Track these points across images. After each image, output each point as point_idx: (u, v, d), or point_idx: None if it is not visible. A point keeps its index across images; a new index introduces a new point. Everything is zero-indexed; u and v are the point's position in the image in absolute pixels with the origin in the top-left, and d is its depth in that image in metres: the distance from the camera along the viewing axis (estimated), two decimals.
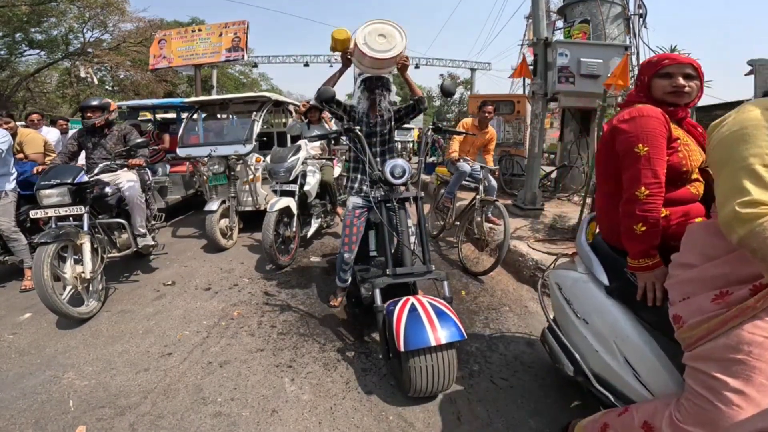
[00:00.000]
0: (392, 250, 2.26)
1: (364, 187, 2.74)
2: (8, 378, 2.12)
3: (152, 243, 3.62)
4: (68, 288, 2.75)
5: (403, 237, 2.27)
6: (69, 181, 2.88)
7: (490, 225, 4.42)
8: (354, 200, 2.81)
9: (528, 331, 2.65)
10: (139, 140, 3.39)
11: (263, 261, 4.02)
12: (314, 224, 4.51)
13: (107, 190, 3.30)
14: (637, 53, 4.82)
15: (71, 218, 2.94)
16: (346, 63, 2.58)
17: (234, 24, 9.88)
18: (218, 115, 5.75)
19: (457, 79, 26.43)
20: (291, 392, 2.06)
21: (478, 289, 3.40)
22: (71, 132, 4.38)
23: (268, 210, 3.76)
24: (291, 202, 3.91)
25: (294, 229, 3.99)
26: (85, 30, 15.17)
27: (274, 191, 4.14)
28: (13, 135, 3.68)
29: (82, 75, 14.21)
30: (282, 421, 1.84)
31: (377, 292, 2.09)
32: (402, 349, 1.78)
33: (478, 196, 3.92)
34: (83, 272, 2.82)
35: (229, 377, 2.18)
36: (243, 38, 9.80)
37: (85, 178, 3.04)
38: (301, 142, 4.35)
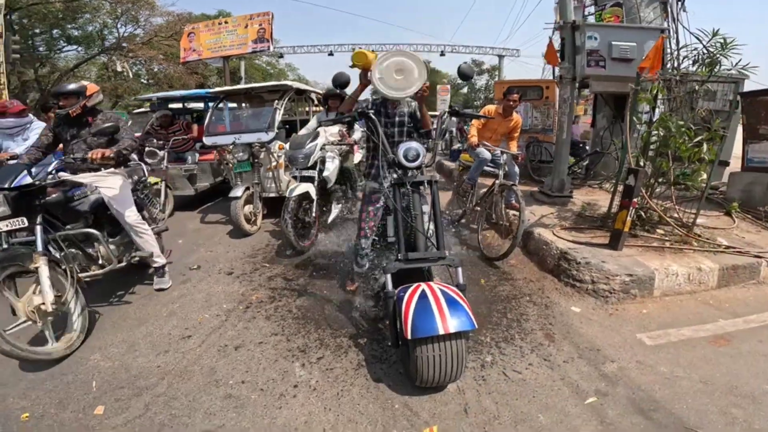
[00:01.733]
0: (405, 235, 2.21)
1: (381, 172, 2.70)
2: (40, 367, 2.22)
3: (147, 253, 2.93)
4: (22, 325, 2.13)
5: (417, 221, 2.21)
6: (5, 186, 2.17)
7: (514, 211, 4.26)
8: (371, 185, 2.78)
9: (548, 322, 2.54)
10: (108, 125, 2.74)
11: (285, 246, 4.08)
12: (335, 210, 4.52)
13: (73, 193, 2.67)
14: (677, 38, 4.41)
15: (25, 233, 2.33)
16: (366, 82, 2.53)
17: (259, 15, 9.96)
18: (243, 105, 5.85)
19: (482, 65, 25.64)
20: (300, 377, 2.08)
21: (499, 277, 3.30)
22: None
23: (287, 196, 3.80)
24: (310, 188, 3.93)
25: (314, 215, 4.01)
26: (119, 25, 15.88)
27: (294, 177, 4.17)
28: None
29: (119, 69, 14.91)
30: (288, 405, 1.87)
31: (388, 277, 2.05)
32: (409, 336, 1.74)
33: (497, 181, 3.80)
34: (42, 304, 2.13)
35: (242, 360, 2.23)
36: (268, 29, 9.88)
37: (28, 180, 2.31)
38: (320, 128, 4.34)
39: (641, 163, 3.33)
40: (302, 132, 4.77)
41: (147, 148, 5.65)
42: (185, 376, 2.09)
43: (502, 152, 3.94)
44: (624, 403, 1.76)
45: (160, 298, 3.05)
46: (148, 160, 5.63)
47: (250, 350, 2.34)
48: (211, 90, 5.99)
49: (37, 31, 15.12)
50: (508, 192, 3.89)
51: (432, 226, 2.24)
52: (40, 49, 15.64)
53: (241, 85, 6.33)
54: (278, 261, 3.80)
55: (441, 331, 1.71)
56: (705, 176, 3.12)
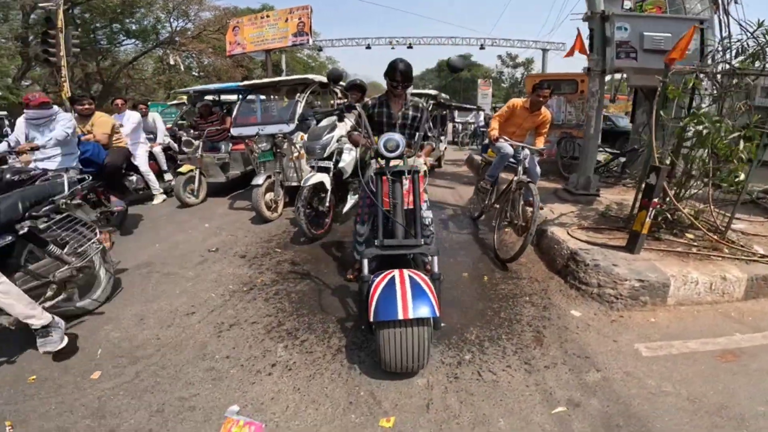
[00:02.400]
0: (386, 223, 2.23)
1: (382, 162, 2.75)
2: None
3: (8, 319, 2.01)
4: None
5: (396, 210, 2.21)
6: None
7: (532, 209, 4.08)
8: (371, 174, 2.82)
9: (541, 324, 2.43)
10: None
11: (300, 234, 4.22)
12: (350, 200, 4.58)
13: None
14: (729, 30, 3.90)
15: None
16: None
17: (298, 9, 10.22)
18: (272, 97, 6.07)
19: (516, 59, 24.66)
20: (280, 357, 2.18)
21: (504, 275, 3.20)
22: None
23: (301, 185, 3.93)
24: (325, 178, 4.02)
25: (328, 204, 4.11)
26: (171, 20, 16.98)
27: (311, 167, 4.29)
28: (89, 116, 4.26)
29: (171, 62, 16.00)
30: (262, 382, 1.96)
31: (364, 262, 2.09)
32: (371, 318, 1.79)
33: (515, 178, 3.61)
34: None
35: (233, 338, 2.37)
36: (307, 23, 10.11)
37: None
38: (338, 121, 4.40)
39: (668, 161, 3.04)
40: (322, 123, 4.88)
41: (183, 138, 6.08)
42: (178, 349, 2.26)
43: (522, 147, 3.74)
44: (594, 416, 1.65)
45: (176, 276, 3.30)
46: (185, 149, 6.06)
47: (243, 329, 2.47)
48: (240, 84, 6.27)
49: (99, 25, 16.51)
50: (525, 190, 3.70)
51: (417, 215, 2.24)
52: (102, 42, 17.11)
53: (266, 79, 6.56)
54: (290, 247, 3.95)
55: (400, 316, 1.73)
56: (743, 177, 2.78)
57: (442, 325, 2.24)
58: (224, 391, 1.91)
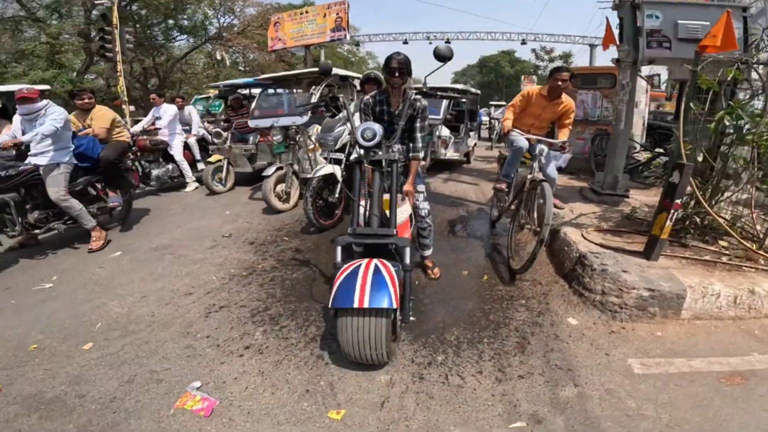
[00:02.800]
0: (368, 211, 2.19)
1: (380, 152, 2.72)
2: (74, 301, 2.73)
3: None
4: None
5: (372, 199, 2.17)
6: None
7: (555, 208, 3.83)
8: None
9: (530, 331, 2.26)
10: None
11: (311, 223, 4.28)
12: None
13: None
14: None
15: None
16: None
17: (335, 5, 10.34)
18: (295, 90, 6.18)
19: (551, 52, 23.26)
20: (256, 340, 2.22)
21: (505, 276, 3.02)
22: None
23: (311, 175, 3.97)
24: (336, 169, 4.04)
25: (337, 195, 4.13)
26: (219, 16, 17.88)
27: (325, 158, 4.33)
28: (89, 110, 4.16)
29: (218, 57, 16.85)
30: (231, 362, 2.02)
31: (338, 249, 2.08)
32: (330, 304, 1.78)
33: (529, 176, 3.30)
34: None
35: (218, 319, 2.45)
36: (344, 18, 10.21)
37: None
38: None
39: (700, 158, 2.70)
40: (338, 116, 4.90)
41: (214, 129, 6.39)
42: (167, 326, 2.38)
43: (537, 140, 3.35)
44: None
45: (186, 259, 3.47)
46: (215, 140, 6.38)
47: (230, 311, 2.55)
48: (258, 77, 6.45)
49: (154, 21, 17.73)
50: (540, 190, 3.20)
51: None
52: (158, 38, 18.38)
53: (282, 72, 6.66)
54: (298, 236, 4.02)
55: (355, 304, 1.71)
56: None
57: (410, 321, 2.17)
58: (194, 367, 1.98)
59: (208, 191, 5.83)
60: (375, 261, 1.92)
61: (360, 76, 6.03)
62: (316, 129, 5.08)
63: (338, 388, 1.82)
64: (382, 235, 2.07)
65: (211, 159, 5.94)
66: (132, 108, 10.87)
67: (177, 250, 3.70)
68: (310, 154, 5.08)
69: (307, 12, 10.90)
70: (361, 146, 2.17)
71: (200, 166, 6.34)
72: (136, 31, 15.99)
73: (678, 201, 2.56)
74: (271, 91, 6.21)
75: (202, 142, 6.62)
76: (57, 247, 3.71)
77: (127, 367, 1.98)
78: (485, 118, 13.91)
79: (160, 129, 5.80)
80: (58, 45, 16.03)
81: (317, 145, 5.05)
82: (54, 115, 3.37)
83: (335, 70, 5.54)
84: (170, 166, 5.99)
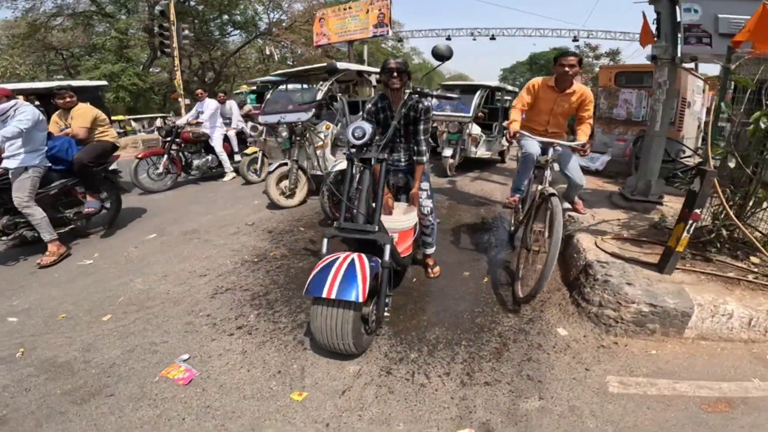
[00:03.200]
0: (357, 206, 2.25)
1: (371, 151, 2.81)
2: (105, 277, 3.07)
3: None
4: None
5: (360, 195, 2.22)
6: None
7: (574, 214, 3.63)
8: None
9: (512, 338, 2.20)
10: None
11: None
12: None
13: None
14: None
15: None
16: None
17: (378, 0, 10.38)
18: (313, 86, 6.21)
19: (596, 49, 21.42)
20: (248, 322, 2.39)
21: (508, 280, 2.94)
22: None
23: (329, 170, 4.10)
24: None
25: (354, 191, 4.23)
26: (268, 11, 18.56)
27: (345, 155, 4.45)
28: (70, 108, 3.90)
29: (267, 53, 17.60)
30: (220, 339, 2.20)
31: (324, 241, 2.18)
32: (303, 292, 1.89)
33: (538, 187, 2.77)
34: None
35: (222, 300, 2.66)
36: (387, 14, 10.25)
37: None
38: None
39: (731, 164, 2.43)
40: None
41: (250, 123, 6.76)
42: (177, 304, 2.63)
43: (550, 144, 2.80)
44: None
45: (210, 243, 3.76)
46: (252, 133, 6.75)
47: (234, 294, 2.76)
48: (275, 72, 6.63)
49: (211, 16, 18.78)
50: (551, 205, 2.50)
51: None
52: (215, 33, 19.50)
53: (294, 68, 6.69)
54: (315, 228, 4.18)
55: (324, 294, 1.80)
56: None
57: (386, 317, 2.22)
58: (188, 342, 2.19)
59: (243, 181, 6.22)
60: (353, 255, 1.98)
61: (376, 70, 6.01)
62: (326, 126, 4.99)
63: (308, 373, 1.92)
64: (363, 230, 2.13)
65: (248, 151, 6.31)
66: (188, 101, 11.75)
67: (203, 235, 4.01)
68: (318, 152, 4.96)
69: (350, 8, 11.07)
70: (352, 145, 2.23)
71: (237, 158, 6.75)
72: (195, 26, 17.13)
73: (697, 211, 2.34)
74: (289, 86, 6.23)
75: (241, 134, 7.03)
76: (101, 227, 4.17)
77: (133, 338, 2.23)
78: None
79: (202, 123, 6.26)
80: (125, 40, 17.47)
81: (326, 141, 4.99)
82: (21, 116, 3.14)
83: (346, 65, 5.48)
84: (210, 157, 6.45)
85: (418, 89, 2.47)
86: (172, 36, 9.99)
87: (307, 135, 4.91)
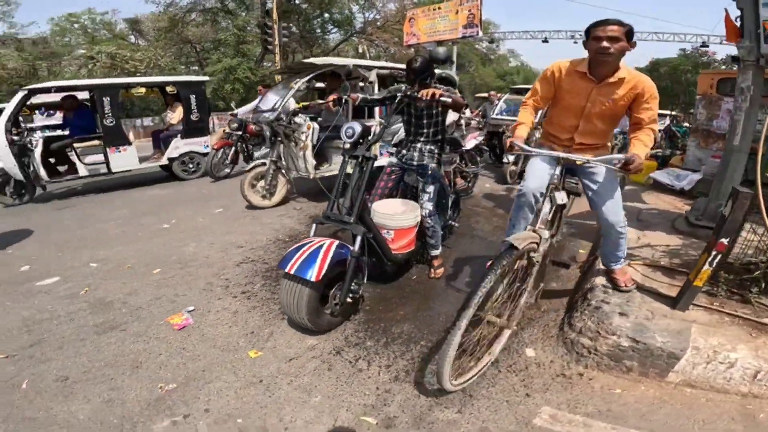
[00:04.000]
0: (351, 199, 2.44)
1: (403, 151, 2.98)
2: (171, 240, 3.80)
3: None
4: None
5: (347, 189, 2.40)
6: None
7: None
8: (391, 160, 3.13)
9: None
10: None
11: None
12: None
13: None
14: None
15: None
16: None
17: (468, 1, 10.17)
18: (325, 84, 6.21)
19: (713, 55, 17.08)
20: (253, 289, 2.81)
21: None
22: None
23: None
24: (390, 162, 4.33)
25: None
26: (363, 11, 19.25)
27: (388, 153, 4.66)
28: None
29: (360, 51, 18.42)
30: (223, 300, 2.65)
31: (313, 226, 2.46)
32: (278, 264, 2.16)
33: (530, 233, 1.92)
34: None
35: (243, 268, 3.14)
36: (477, 15, 10.01)
37: None
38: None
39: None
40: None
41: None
42: (208, 267, 3.19)
43: (570, 162, 2.04)
44: None
45: (258, 219, 4.36)
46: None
47: (254, 265, 3.21)
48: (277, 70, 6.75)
49: (314, 15, 20.15)
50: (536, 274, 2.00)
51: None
52: (318, 31, 20.95)
53: (307, 59, 6.03)
54: None
55: (287, 269, 2.04)
56: None
57: (346, 302, 2.37)
58: (201, 297, 2.68)
59: None
60: (326, 241, 2.19)
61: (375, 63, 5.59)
62: (307, 126, 4.60)
63: (273, 338, 2.21)
64: (341, 221, 2.33)
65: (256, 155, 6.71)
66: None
67: (257, 213, 4.63)
68: (301, 153, 4.66)
69: (439, 8, 11.05)
70: (344, 142, 2.44)
71: None
72: (299, 24, 18.72)
73: (723, 240, 1.97)
74: (280, 86, 5.81)
75: None
76: (190, 201, 5.12)
77: (165, 289, 2.81)
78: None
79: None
80: (242, 36, 19.63)
81: (306, 143, 4.61)
82: None
83: (326, 60, 5.36)
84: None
85: (407, 90, 2.54)
86: (274, 33, 11.33)
87: (293, 135, 4.64)
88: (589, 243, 3.58)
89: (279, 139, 4.69)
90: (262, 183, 4.75)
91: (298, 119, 4.63)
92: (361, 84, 5.27)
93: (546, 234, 2.01)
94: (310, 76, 4.99)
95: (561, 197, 2.05)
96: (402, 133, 4.43)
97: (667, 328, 1.97)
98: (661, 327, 1.98)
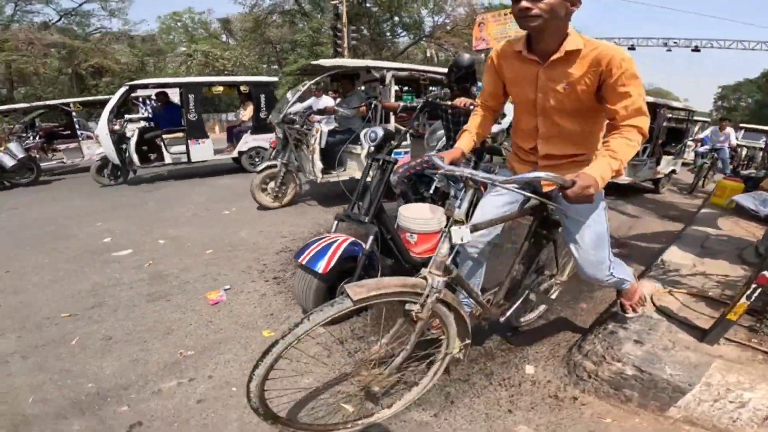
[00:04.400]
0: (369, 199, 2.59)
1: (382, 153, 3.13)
2: (229, 225, 4.27)
3: None
4: None
5: (367, 191, 2.52)
6: None
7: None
8: (432, 155, 3.28)
9: (473, 357, 2.15)
10: None
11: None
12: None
13: None
14: None
15: None
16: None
17: None
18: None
19: None
20: (284, 275, 3.09)
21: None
22: None
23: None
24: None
25: (431, 191, 4.49)
26: (432, 15, 18.94)
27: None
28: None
29: (427, 55, 18.23)
30: (256, 283, 2.97)
31: (335, 223, 2.62)
32: (294, 255, 2.36)
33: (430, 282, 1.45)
34: None
35: (281, 257, 3.45)
36: None
37: None
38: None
39: None
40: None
41: None
42: (252, 252, 3.57)
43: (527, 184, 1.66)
44: None
45: (306, 216, 4.70)
46: None
47: (289, 255, 3.50)
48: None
49: (383, 18, 20.32)
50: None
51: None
52: (387, 34, 21.15)
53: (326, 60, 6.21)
54: None
55: (300, 260, 2.23)
56: None
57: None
58: (238, 278, 3.04)
59: None
60: (342, 236, 2.36)
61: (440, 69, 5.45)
62: (316, 129, 4.66)
63: (288, 322, 2.45)
64: (358, 220, 2.48)
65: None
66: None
67: (306, 208, 5.01)
68: (310, 156, 4.72)
69: (510, 13, 10.50)
70: (370, 146, 2.59)
71: None
72: (369, 26, 19.07)
73: (766, 273, 1.76)
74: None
75: None
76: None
77: (211, 267, 3.22)
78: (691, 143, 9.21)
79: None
80: (316, 37, 20.51)
81: (314, 147, 4.69)
82: None
83: (328, 61, 5.38)
84: None
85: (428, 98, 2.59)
86: (344, 36, 11.83)
87: (304, 138, 4.74)
88: (641, 266, 3.29)
89: (291, 141, 4.76)
90: (272, 185, 4.86)
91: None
92: (380, 86, 5.07)
93: (437, 281, 1.41)
94: (319, 78, 5.13)
95: (460, 235, 1.38)
96: (444, 140, 4.48)
97: (684, 360, 1.81)
98: (677, 359, 1.82)
